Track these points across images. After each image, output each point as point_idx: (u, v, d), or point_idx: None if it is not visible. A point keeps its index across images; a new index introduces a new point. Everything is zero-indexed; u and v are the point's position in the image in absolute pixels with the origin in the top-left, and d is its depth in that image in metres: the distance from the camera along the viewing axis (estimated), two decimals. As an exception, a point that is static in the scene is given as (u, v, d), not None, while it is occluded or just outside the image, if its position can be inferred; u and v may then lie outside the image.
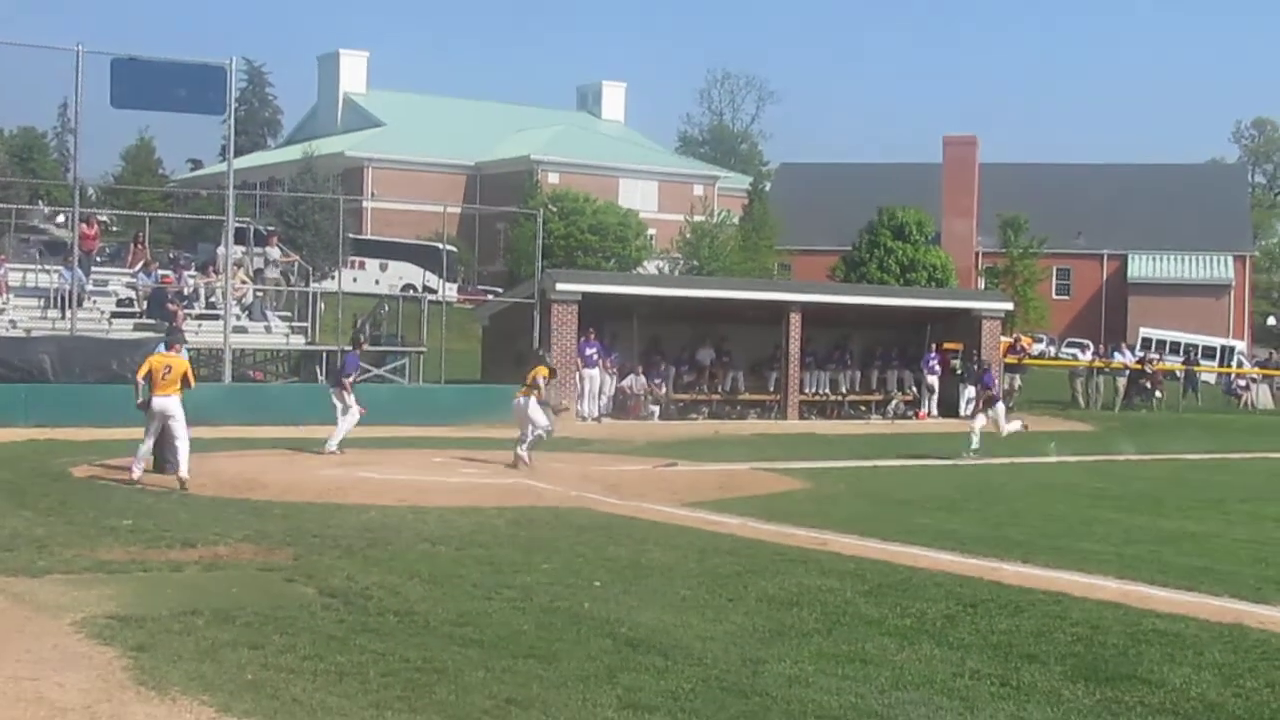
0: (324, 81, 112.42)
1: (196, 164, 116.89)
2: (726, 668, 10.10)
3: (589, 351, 39.03)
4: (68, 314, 35.39)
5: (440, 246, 54.78)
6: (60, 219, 64.11)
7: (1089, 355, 65.63)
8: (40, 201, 78.50)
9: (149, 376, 21.21)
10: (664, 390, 41.41)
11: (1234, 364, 69.30)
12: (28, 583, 12.95)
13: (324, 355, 38.46)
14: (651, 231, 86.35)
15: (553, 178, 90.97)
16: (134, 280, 39.67)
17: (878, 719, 8.93)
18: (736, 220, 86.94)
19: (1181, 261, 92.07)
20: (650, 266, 78.57)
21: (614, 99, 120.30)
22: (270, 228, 48.63)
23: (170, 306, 36.31)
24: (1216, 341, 77.01)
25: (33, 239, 57.23)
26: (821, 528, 17.72)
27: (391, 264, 72.36)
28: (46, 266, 39.92)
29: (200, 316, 37.70)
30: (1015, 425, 32.00)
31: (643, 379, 40.79)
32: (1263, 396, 57.58)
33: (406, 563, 14.35)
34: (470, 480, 23.04)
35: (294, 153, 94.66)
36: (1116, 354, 55.20)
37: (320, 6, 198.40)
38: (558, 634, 11.08)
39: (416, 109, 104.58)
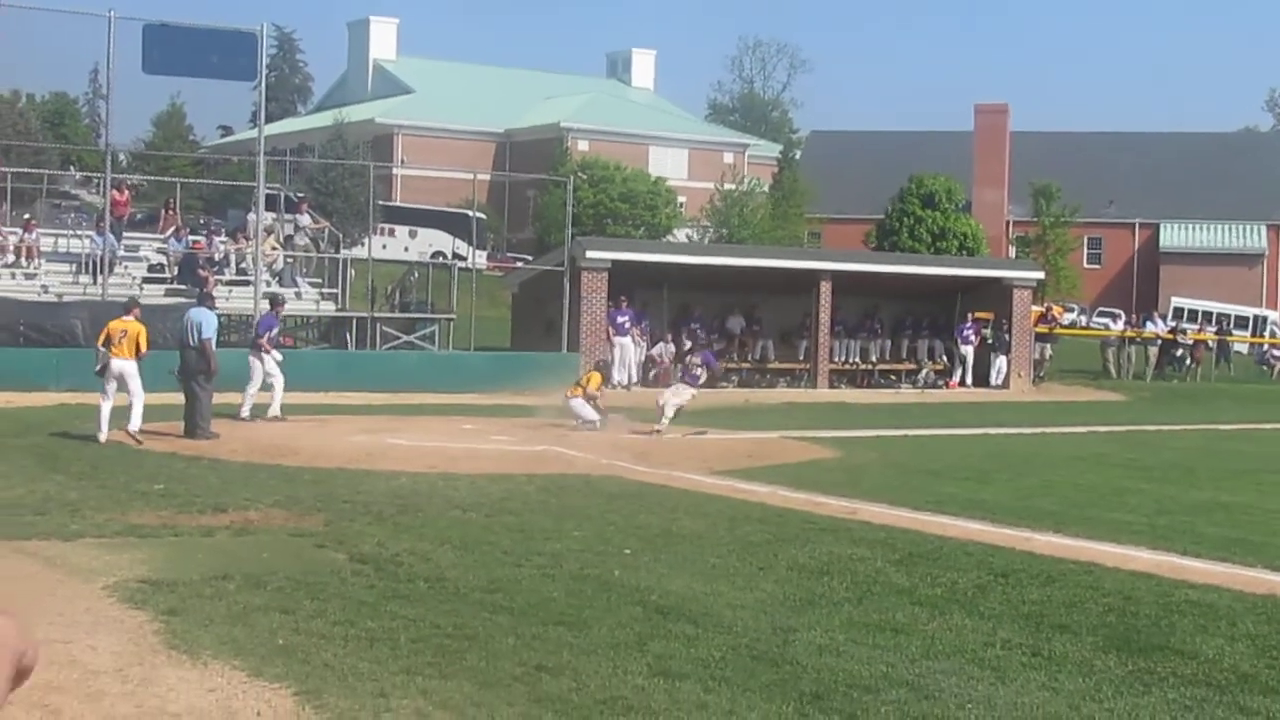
0: (354, 48, 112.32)
1: (227, 130, 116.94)
2: (757, 636, 10.08)
3: (620, 319, 38.99)
4: (99, 279, 35.49)
5: (470, 214, 54.68)
6: (93, 185, 64.29)
7: (1120, 325, 65.34)
8: (72, 167, 78.81)
9: (108, 341, 22.59)
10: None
11: (1267, 334, 68.95)
12: (60, 546, 13.01)
13: (354, 322, 38.56)
14: (681, 199, 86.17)
15: (582, 145, 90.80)
16: (165, 246, 39.80)
17: (909, 688, 8.89)
18: (766, 188, 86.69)
19: (1214, 231, 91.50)
20: (680, 235, 78.42)
21: (644, 66, 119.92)
22: (300, 194, 48.66)
23: (201, 272, 36.41)
24: (1249, 311, 76.57)
25: (64, 204, 57.46)
26: (851, 496, 17.69)
27: (421, 231, 72.30)
28: (78, 232, 40.03)
29: (231, 282, 37.80)
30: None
31: (672, 347, 40.73)
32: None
33: (437, 529, 14.37)
34: (501, 447, 23.06)
35: (324, 119, 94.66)
36: (1148, 324, 54.96)
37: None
38: (588, 601, 11.08)
39: (446, 76, 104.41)
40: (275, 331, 27.83)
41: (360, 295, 41.10)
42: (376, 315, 39.03)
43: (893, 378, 44.62)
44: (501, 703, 8.36)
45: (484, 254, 64.67)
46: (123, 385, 22.44)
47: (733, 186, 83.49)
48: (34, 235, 37.52)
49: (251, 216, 38.98)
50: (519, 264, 59.42)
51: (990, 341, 44.43)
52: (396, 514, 15.28)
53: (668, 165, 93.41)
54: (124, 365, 22.40)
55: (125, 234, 40.09)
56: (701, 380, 27.74)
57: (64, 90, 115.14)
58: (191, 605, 10.57)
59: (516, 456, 21.56)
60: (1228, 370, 53.80)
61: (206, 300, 25.46)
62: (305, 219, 41.73)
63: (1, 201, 42.54)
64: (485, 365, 37.33)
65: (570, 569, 12.39)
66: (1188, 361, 51.88)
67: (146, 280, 37.43)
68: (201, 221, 47.46)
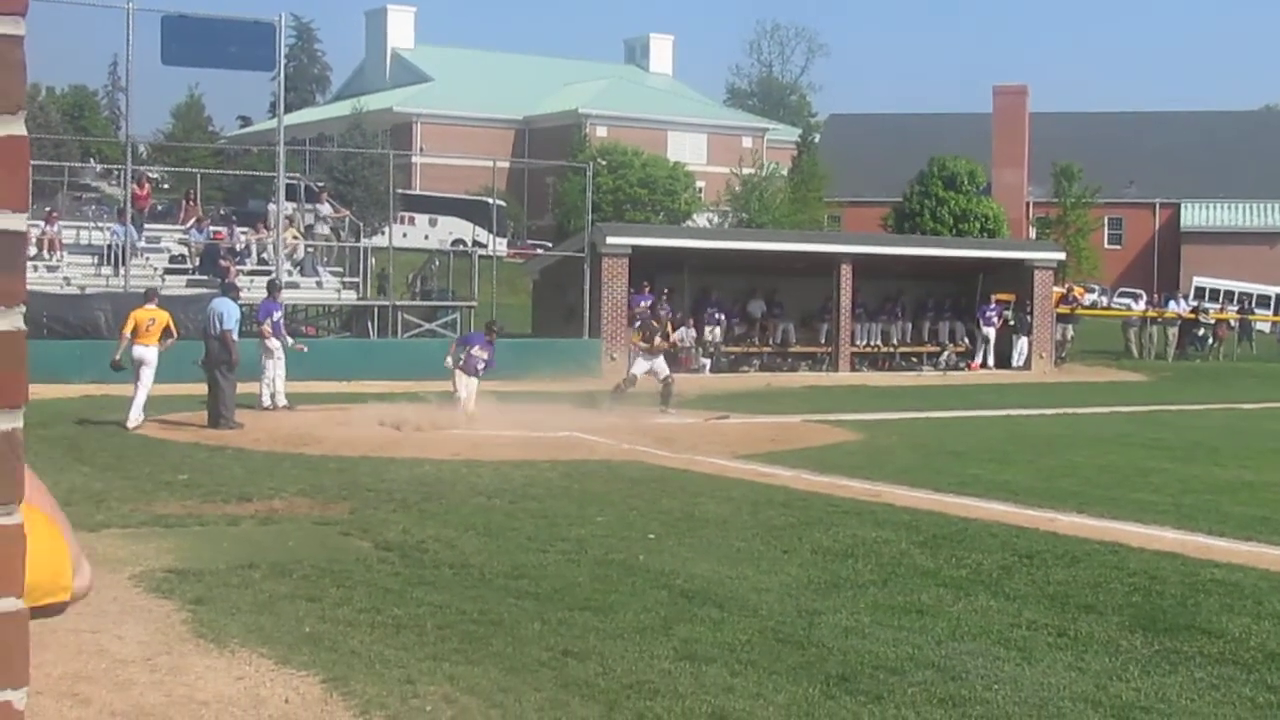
0: (372, 37, 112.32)
1: (246, 121, 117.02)
2: (782, 619, 10.09)
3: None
4: (121, 270, 35.58)
5: (489, 201, 54.74)
6: (113, 178, 64.42)
7: (1142, 305, 65.17)
8: (92, 159, 78.94)
9: (135, 330, 23.01)
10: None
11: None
12: (86, 537, 13.02)
13: (375, 310, 38.63)
14: (700, 184, 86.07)
15: (601, 131, 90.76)
16: (186, 237, 39.90)
17: (935, 669, 8.89)
18: (785, 172, 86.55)
19: (1235, 210, 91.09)
20: (700, 220, 78.35)
21: (662, 51, 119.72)
22: (320, 184, 48.73)
23: (223, 262, 36.50)
24: (1271, 290, 76.24)
25: (85, 197, 57.59)
26: (875, 479, 17.69)
27: (441, 219, 72.29)
28: (99, 224, 40.14)
29: (252, 272, 37.87)
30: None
31: (694, 331, 40.76)
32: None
33: (461, 516, 14.39)
34: (523, 434, 23.06)
35: (343, 109, 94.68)
36: (1170, 303, 54.84)
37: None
38: (613, 586, 11.10)
39: (464, 63, 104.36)
40: (278, 316, 27.36)
41: (377, 287, 41.24)
42: (398, 303, 39.10)
43: (914, 360, 44.59)
44: (528, 688, 8.38)
45: (504, 241, 64.60)
46: (141, 374, 22.79)
47: (751, 171, 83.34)
48: (55, 228, 37.64)
49: (272, 206, 39.06)
50: (539, 251, 59.38)
51: (1012, 323, 44.35)
52: (421, 501, 15.31)
53: (686, 150, 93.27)
54: (146, 353, 22.77)
55: (146, 225, 40.19)
56: (481, 369, 26.16)
57: (83, 83, 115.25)
58: (218, 594, 10.60)
59: (539, 443, 21.54)
60: (1249, 349, 53.67)
61: (231, 291, 25.52)
62: (326, 208, 41.83)
63: (28, 196, 42.57)
64: (506, 352, 37.24)
65: (594, 554, 12.41)
66: (1210, 341, 51.76)
67: (168, 271, 37.55)
68: (222, 212, 47.55)
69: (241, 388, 24.15)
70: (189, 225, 40.23)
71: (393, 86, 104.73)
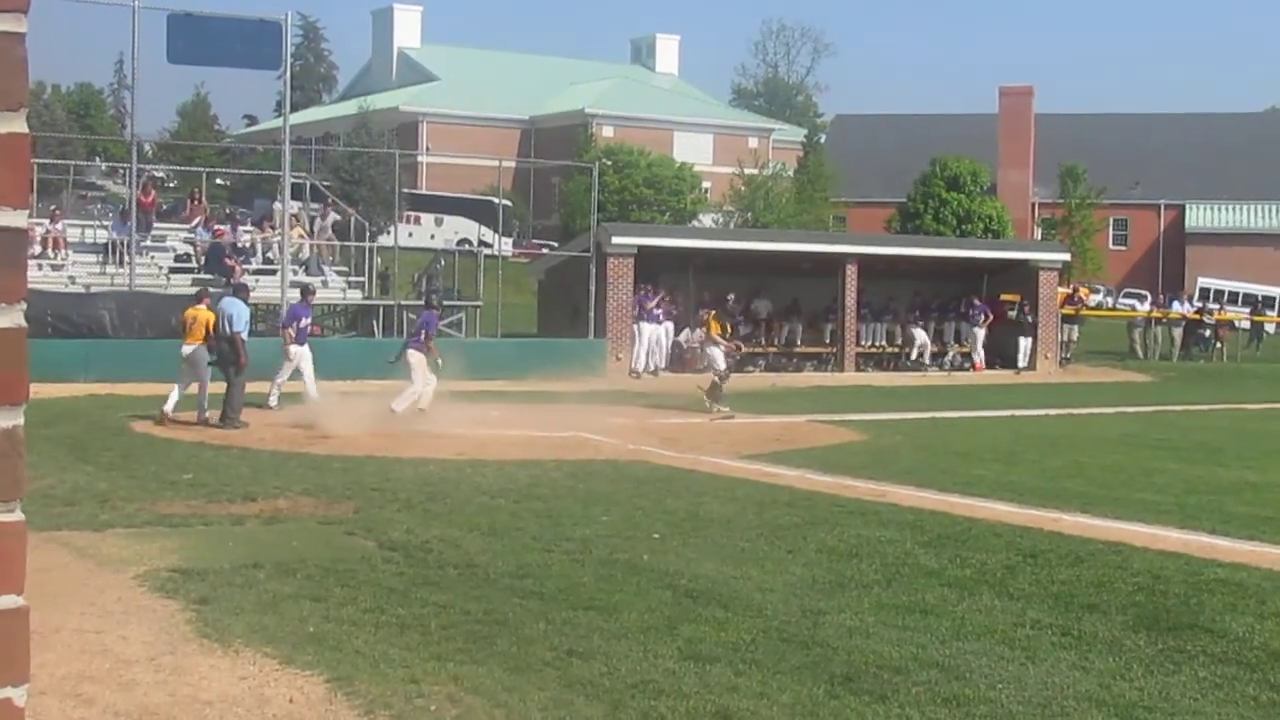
0: (378, 36, 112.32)
1: (252, 120, 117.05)
2: (787, 619, 10.10)
3: (649, 305, 38.99)
4: (126, 269, 35.59)
5: (495, 201, 54.65)
6: (118, 176, 64.46)
7: (1147, 306, 65.11)
8: (97, 158, 78.93)
9: (183, 328, 24.27)
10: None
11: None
12: (91, 537, 13.06)
13: (380, 310, 38.65)
14: (706, 184, 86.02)
15: (607, 131, 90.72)
16: (192, 235, 39.90)
17: (939, 669, 8.90)
18: (790, 172, 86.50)
19: (1240, 211, 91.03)
20: (705, 220, 78.31)
21: (667, 51, 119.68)
22: (326, 189, 48.71)
23: (229, 261, 36.51)
24: (1276, 291, 76.20)
25: (90, 195, 57.61)
26: (879, 479, 17.70)
27: (447, 219, 72.23)
28: (104, 223, 40.16)
29: (258, 271, 37.89)
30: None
31: (700, 331, 40.69)
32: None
33: (466, 516, 14.40)
34: (528, 433, 23.07)
35: (349, 108, 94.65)
36: (1175, 304, 54.81)
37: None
38: (617, 586, 11.10)
39: (470, 63, 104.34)
40: (306, 321, 27.44)
41: (380, 286, 41.29)
42: (403, 303, 39.09)
43: (919, 359, 44.53)
44: (533, 687, 8.38)
45: (510, 241, 64.58)
46: (192, 373, 23.73)
47: (755, 171, 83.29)
48: (60, 226, 37.66)
49: (278, 205, 39.07)
50: (545, 251, 59.37)
51: (1018, 319, 44.29)
52: (425, 501, 15.31)
53: (692, 150, 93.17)
54: (189, 351, 23.64)
55: (153, 225, 40.20)
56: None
57: (89, 81, 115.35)
58: (222, 594, 10.61)
59: (544, 442, 21.56)
60: (1254, 350, 53.62)
61: (240, 291, 25.52)
62: (331, 218, 42.00)
63: (28, 192, 42.62)
64: (512, 352, 37.34)
65: (599, 554, 12.41)
66: (1214, 342, 51.74)
67: (173, 270, 37.56)
68: (227, 211, 47.55)
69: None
70: (194, 224, 40.23)
71: (399, 86, 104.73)
